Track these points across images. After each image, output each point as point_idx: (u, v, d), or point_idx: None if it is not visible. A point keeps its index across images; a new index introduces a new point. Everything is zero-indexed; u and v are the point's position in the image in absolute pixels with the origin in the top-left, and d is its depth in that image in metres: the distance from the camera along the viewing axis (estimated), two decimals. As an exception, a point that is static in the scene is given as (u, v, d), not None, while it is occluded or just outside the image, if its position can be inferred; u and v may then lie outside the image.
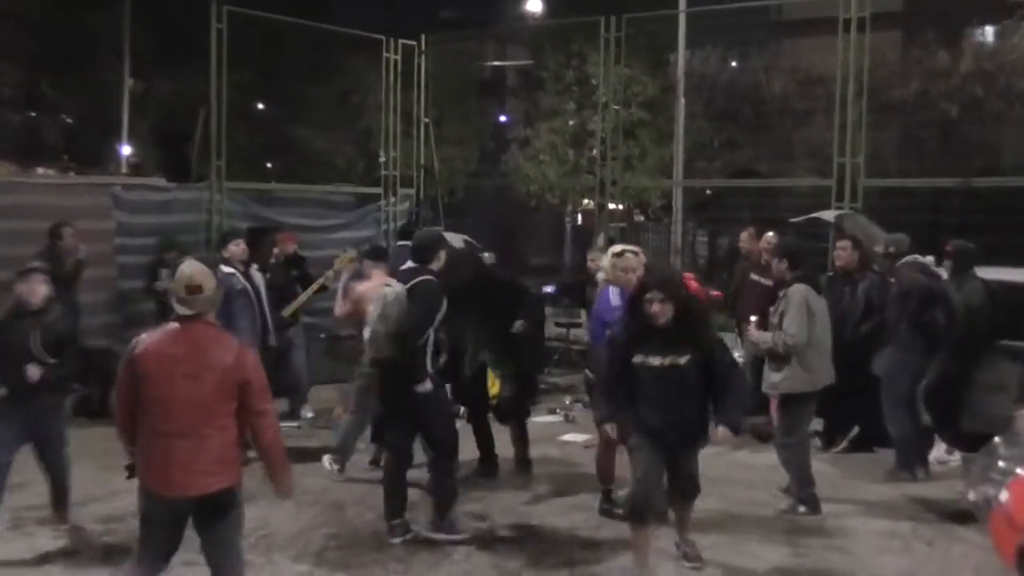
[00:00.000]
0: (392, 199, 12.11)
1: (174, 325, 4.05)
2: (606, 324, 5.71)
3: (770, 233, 8.97)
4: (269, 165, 24.49)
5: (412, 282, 5.70)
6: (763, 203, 16.41)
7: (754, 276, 8.78)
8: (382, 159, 12.83)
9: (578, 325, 11.34)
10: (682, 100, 17.29)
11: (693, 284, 7.38)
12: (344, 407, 8.91)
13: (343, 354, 10.62)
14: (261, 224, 10.56)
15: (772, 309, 6.47)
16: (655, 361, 4.95)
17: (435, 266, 5.84)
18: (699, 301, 5.11)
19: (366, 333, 5.76)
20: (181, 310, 4.04)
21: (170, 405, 3.94)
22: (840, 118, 10.11)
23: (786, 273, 6.50)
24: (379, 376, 5.86)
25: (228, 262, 7.57)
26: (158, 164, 23.38)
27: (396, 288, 5.68)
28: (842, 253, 8.02)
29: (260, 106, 24.47)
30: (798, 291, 6.29)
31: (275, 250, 8.86)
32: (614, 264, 5.81)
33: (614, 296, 5.91)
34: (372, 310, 5.69)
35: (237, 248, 7.76)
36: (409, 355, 5.60)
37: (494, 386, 7.73)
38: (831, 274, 8.24)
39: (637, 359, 4.96)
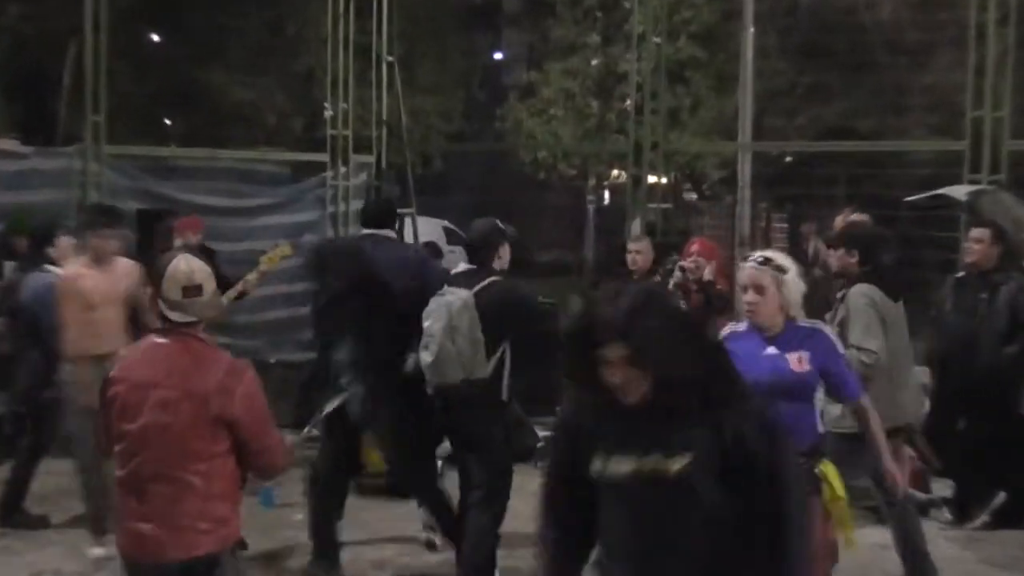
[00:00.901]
0: (343, 169, 12.08)
1: (155, 339, 4.29)
2: None
3: (856, 215, 8.95)
4: (168, 122, 24.48)
5: (478, 287, 6.27)
6: (865, 175, 16.37)
7: None
8: (328, 114, 12.79)
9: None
10: (750, 30, 17.28)
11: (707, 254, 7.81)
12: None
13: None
14: (156, 205, 10.51)
15: (828, 316, 6.52)
16: (622, 467, 3.35)
17: (498, 265, 6.44)
18: (711, 345, 3.53)
19: (425, 356, 6.22)
20: (174, 316, 4.26)
21: (143, 440, 4.16)
22: (976, 56, 10.09)
23: (852, 268, 6.56)
24: (446, 407, 6.40)
25: (55, 262, 7.76)
26: (9, 121, 23.36)
27: (461, 293, 6.23)
28: (976, 246, 7.99)
29: (155, 39, 24.48)
30: (861, 293, 6.35)
31: (176, 241, 8.84)
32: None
33: (740, 340, 5.03)
34: (432, 325, 6.19)
35: (68, 244, 7.82)
36: (490, 377, 6.26)
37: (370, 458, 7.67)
38: (961, 275, 8.23)
39: (594, 467, 3.39)
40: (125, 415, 4.18)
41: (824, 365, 4.93)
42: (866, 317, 6.27)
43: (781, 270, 4.95)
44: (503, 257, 6.48)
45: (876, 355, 6.19)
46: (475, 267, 6.41)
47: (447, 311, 6.18)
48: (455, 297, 6.22)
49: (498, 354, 6.29)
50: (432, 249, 10.72)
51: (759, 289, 4.92)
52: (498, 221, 6.70)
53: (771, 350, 4.91)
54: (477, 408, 6.30)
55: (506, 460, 6.52)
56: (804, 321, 5.03)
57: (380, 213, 7.39)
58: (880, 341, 6.23)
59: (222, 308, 4.51)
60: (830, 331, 5.12)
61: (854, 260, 6.58)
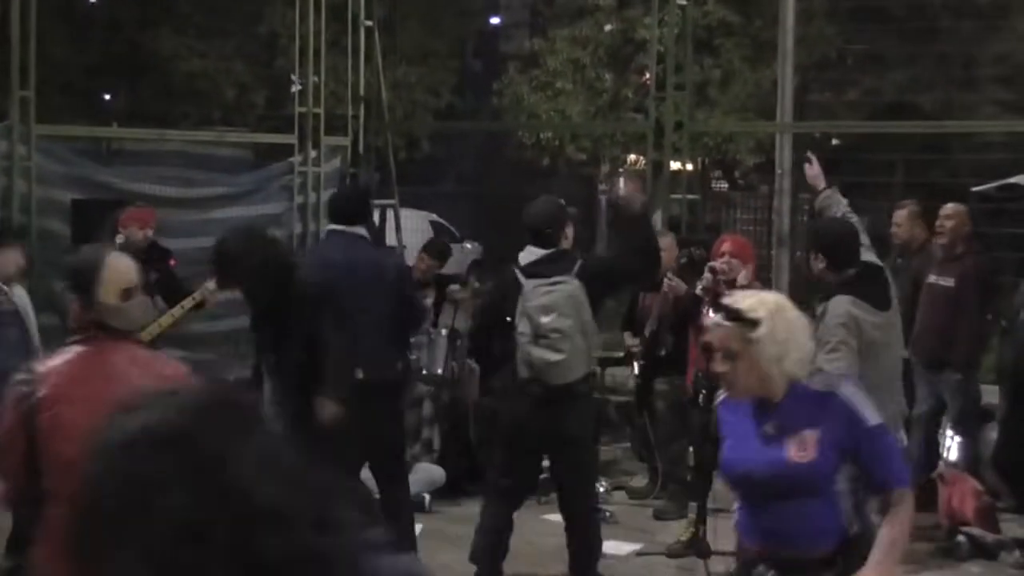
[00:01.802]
0: (312, 153, 12.12)
1: (86, 350, 4.30)
2: None
3: (951, 205, 8.99)
4: (108, 97, 24.50)
5: (575, 270, 6.67)
6: (927, 161, 16.41)
7: (932, 277, 8.91)
8: (296, 87, 12.82)
9: (620, 361, 11.33)
10: (792, -10, 17.30)
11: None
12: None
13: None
14: (95, 194, 10.53)
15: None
16: None
17: (567, 245, 6.86)
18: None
19: (548, 355, 6.61)
20: (114, 322, 4.32)
21: None
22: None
23: (826, 276, 6.60)
24: (550, 405, 6.78)
25: None
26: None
27: (572, 282, 6.64)
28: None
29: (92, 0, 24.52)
30: (841, 305, 6.37)
31: (118, 236, 8.87)
32: None
33: (735, 409, 4.38)
34: (557, 320, 6.58)
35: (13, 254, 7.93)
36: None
37: None
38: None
39: None
40: (69, 438, 4.07)
41: (842, 443, 4.08)
42: (836, 337, 6.28)
43: (752, 324, 4.06)
44: (569, 238, 6.87)
45: None
46: (554, 251, 6.77)
47: (574, 304, 6.60)
48: (571, 287, 6.61)
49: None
50: (438, 249, 10.75)
51: (729, 354, 4.10)
52: (560, 201, 7.23)
53: (767, 429, 4.16)
54: (582, 404, 6.85)
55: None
56: (818, 380, 4.21)
57: (351, 205, 7.42)
58: (846, 363, 6.20)
59: (153, 313, 4.59)
60: (852, 390, 4.20)
61: (823, 266, 6.63)
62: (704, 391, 8.12)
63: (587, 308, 6.65)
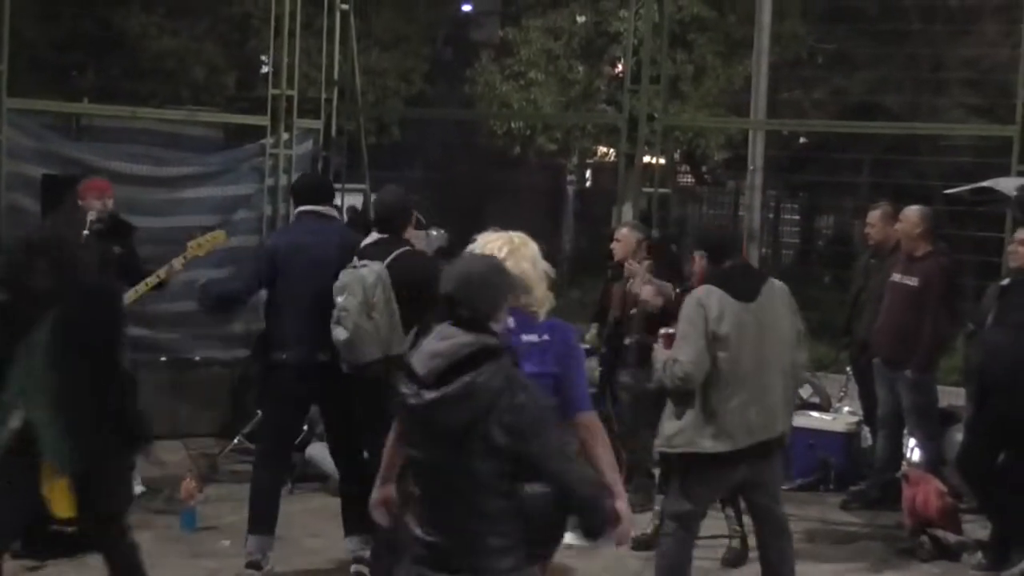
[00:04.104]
0: (284, 135, 12.04)
1: None
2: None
3: (915, 207, 8.99)
4: (76, 74, 24.30)
5: (389, 257, 6.85)
6: (896, 162, 16.44)
7: (896, 276, 8.89)
8: (267, 68, 12.73)
9: (588, 353, 11.29)
10: (767, -13, 17.29)
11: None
12: (199, 474, 8.92)
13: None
14: (65, 169, 10.43)
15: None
16: None
17: (415, 242, 7.16)
18: None
19: (339, 333, 6.74)
20: None
21: None
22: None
23: (706, 271, 6.69)
24: (359, 389, 7.02)
25: None
26: None
27: (373, 266, 6.79)
28: (1022, 249, 8.05)
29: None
30: (696, 295, 6.44)
31: (90, 214, 8.74)
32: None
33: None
34: (346, 300, 6.76)
35: None
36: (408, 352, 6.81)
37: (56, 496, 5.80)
38: (1006, 283, 8.28)
39: None
40: None
41: None
42: (686, 325, 6.35)
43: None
44: (417, 236, 7.31)
45: (685, 365, 6.23)
46: (386, 236, 7.00)
47: (361, 286, 6.73)
48: (368, 271, 6.78)
49: (416, 327, 6.70)
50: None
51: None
52: (405, 192, 7.45)
53: None
54: (370, 388, 6.83)
55: None
56: None
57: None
58: (698, 352, 6.24)
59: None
60: None
61: (705, 262, 6.72)
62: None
63: (379, 292, 6.77)
